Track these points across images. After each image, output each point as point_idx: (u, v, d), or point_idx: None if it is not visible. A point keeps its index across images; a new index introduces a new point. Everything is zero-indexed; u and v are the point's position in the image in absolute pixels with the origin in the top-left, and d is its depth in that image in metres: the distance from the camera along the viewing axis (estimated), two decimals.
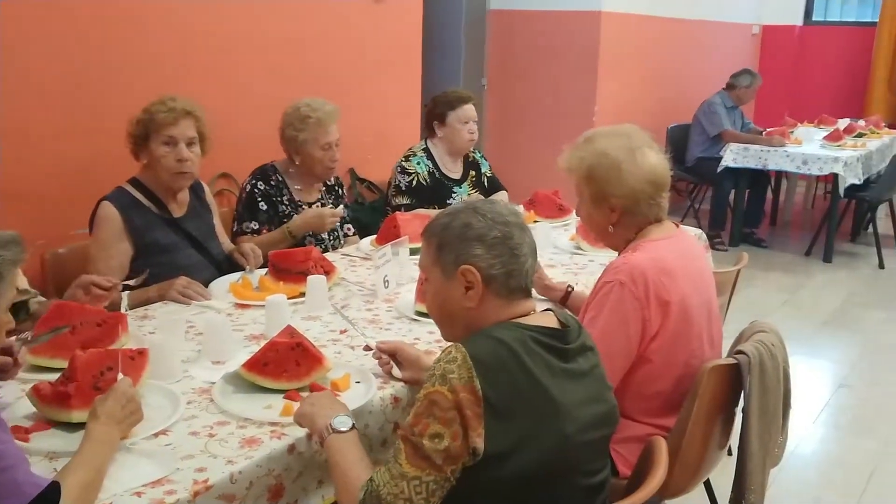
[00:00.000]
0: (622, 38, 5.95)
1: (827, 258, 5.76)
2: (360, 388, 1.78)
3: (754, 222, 6.29)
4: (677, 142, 6.37)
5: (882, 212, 6.42)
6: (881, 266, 5.67)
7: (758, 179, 6.20)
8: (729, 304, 3.00)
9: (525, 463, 1.38)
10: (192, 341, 2.01)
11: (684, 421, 1.88)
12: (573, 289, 2.37)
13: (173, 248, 2.52)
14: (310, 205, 3.06)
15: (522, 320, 1.49)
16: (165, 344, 1.82)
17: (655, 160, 1.97)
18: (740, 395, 1.96)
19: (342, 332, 2.10)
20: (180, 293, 2.30)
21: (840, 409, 3.56)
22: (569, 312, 1.61)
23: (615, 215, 1.97)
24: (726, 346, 2.12)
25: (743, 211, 6.19)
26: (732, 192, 6.11)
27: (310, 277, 2.26)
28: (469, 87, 5.76)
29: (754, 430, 1.91)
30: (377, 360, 1.85)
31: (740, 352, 1.92)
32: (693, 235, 2.20)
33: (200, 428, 1.59)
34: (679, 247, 1.98)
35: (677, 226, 2.06)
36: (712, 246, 5.96)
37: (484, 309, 1.50)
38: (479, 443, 1.35)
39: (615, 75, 5.94)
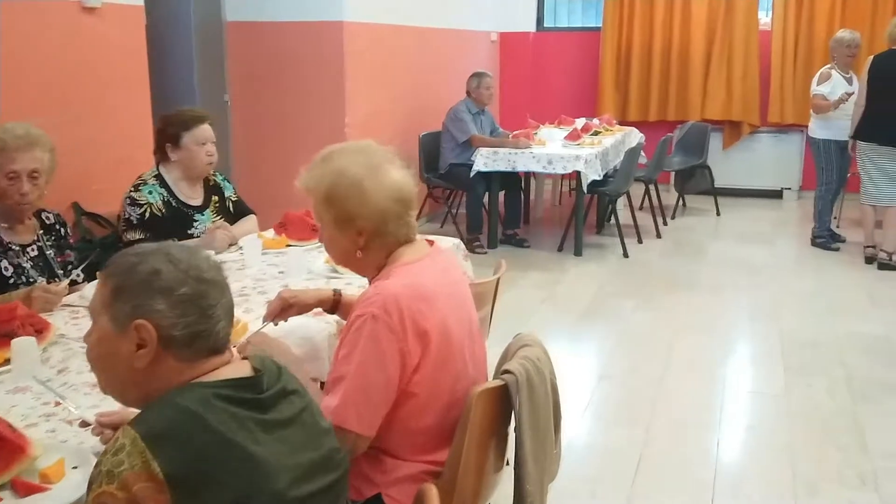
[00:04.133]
0: (367, 49, 5.86)
1: (578, 252, 6.04)
2: (76, 474, 1.48)
3: (514, 223, 6.47)
4: (430, 150, 6.41)
5: (622, 203, 6.85)
6: (625, 255, 6.02)
7: (510, 181, 6.38)
8: (492, 313, 2.94)
9: None
10: None
11: (457, 453, 1.76)
12: (341, 294, 2.17)
13: None
14: (23, 247, 2.63)
15: (206, 377, 1.29)
16: None
17: (399, 176, 1.84)
18: (511, 415, 1.88)
19: (56, 403, 1.77)
20: None
21: (603, 400, 3.67)
22: (267, 356, 1.43)
23: (363, 238, 1.82)
24: (493, 359, 2.04)
25: (499, 213, 6.35)
26: (486, 195, 6.25)
27: (14, 341, 1.90)
28: (210, 104, 5.41)
29: (528, 450, 1.83)
30: (98, 437, 1.56)
31: (507, 371, 1.83)
32: (448, 249, 2.09)
33: None
34: (435, 267, 1.86)
35: (431, 243, 1.94)
36: (472, 250, 6.08)
37: (158, 372, 1.28)
38: None
39: (364, 86, 5.84)
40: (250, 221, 3.36)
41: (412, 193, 1.86)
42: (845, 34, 6.12)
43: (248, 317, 2.28)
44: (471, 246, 6.13)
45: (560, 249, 6.16)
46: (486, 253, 6.12)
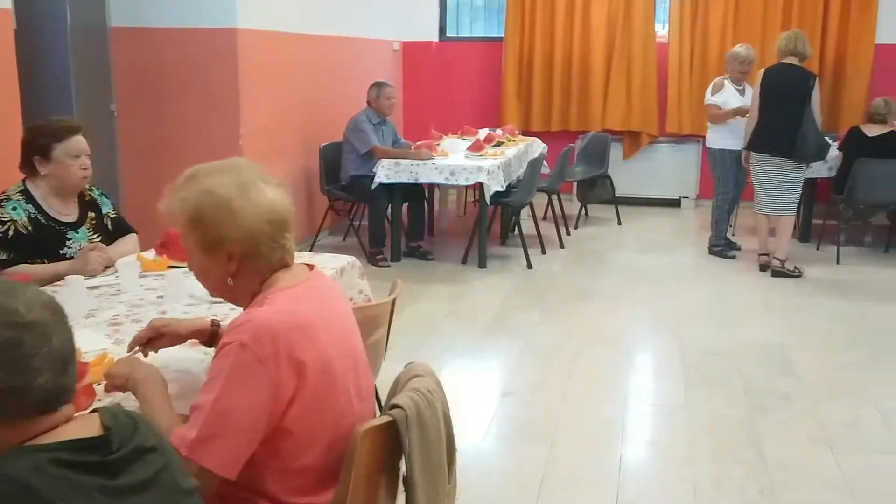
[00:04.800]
0: (264, 57, 5.67)
1: (482, 264, 5.98)
2: None
3: (418, 235, 6.36)
4: (331, 161, 6.25)
5: (525, 214, 6.84)
6: (529, 266, 6.00)
7: (413, 193, 6.28)
8: (388, 336, 2.82)
9: None
10: None
11: (342, 495, 1.63)
12: (219, 325, 2.01)
13: None
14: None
15: (42, 439, 1.13)
16: None
17: (273, 196, 1.71)
18: (402, 451, 1.76)
19: None
20: None
21: (507, 418, 3.59)
22: (121, 409, 1.27)
23: (234, 264, 1.68)
24: (390, 381, 1.92)
25: (402, 225, 6.24)
26: (389, 207, 6.13)
27: None
28: (94, 114, 5.13)
29: (420, 488, 1.72)
30: None
31: (395, 406, 1.71)
32: (329, 278, 1.96)
33: None
34: (315, 293, 1.73)
35: (311, 267, 1.81)
36: (375, 263, 5.96)
37: None
38: None
39: (260, 96, 5.65)
40: (130, 241, 3.15)
41: (287, 214, 1.73)
42: (741, 49, 6.26)
43: (119, 349, 2.09)
44: (374, 259, 6.01)
45: (464, 262, 6.10)
46: (389, 266, 6.00)
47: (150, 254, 3.00)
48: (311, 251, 6.22)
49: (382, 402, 2.50)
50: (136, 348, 1.92)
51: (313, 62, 6.47)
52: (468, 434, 3.36)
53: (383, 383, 2.89)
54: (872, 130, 6.27)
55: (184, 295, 2.55)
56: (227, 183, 1.67)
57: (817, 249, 6.64)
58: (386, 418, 1.70)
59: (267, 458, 1.61)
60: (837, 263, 6.18)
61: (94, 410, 1.24)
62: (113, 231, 3.15)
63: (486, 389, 3.92)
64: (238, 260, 1.68)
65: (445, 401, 1.87)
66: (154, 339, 1.93)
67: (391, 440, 1.72)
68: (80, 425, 1.17)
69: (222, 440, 1.54)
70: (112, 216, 3.18)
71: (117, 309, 2.46)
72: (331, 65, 6.82)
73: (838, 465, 3.14)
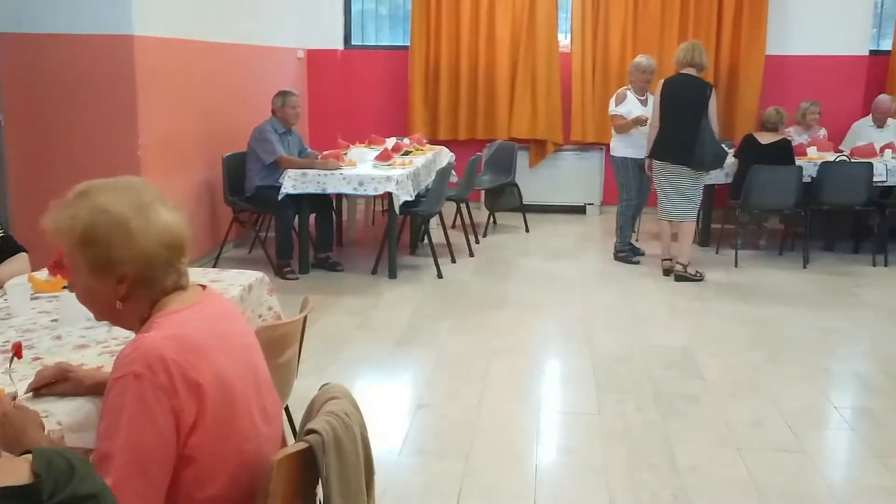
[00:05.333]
0: (163, 65, 5.47)
1: (392, 274, 5.93)
2: None
3: (326, 246, 6.26)
4: (235, 171, 6.09)
5: (434, 223, 6.83)
6: (440, 276, 5.98)
7: (321, 203, 6.18)
8: (300, 353, 2.74)
9: None
10: None
11: None
12: None
13: None
14: None
15: None
16: None
17: (170, 218, 1.64)
18: (319, 477, 1.69)
19: None
20: None
21: (422, 431, 3.55)
22: (59, 451, 1.18)
23: (124, 287, 1.59)
24: (303, 399, 1.86)
25: (310, 236, 6.13)
26: (296, 218, 6.02)
27: None
28: None
29: None
30: None
31: (311, 431, 1.65)
32: (226, 298, 1.89)
33: None
34: (207, 314, 1.65)
35: (204, 288, 1.74)
36: (283, 276, 5.83)
37: None
38: None
39: (159, 105, 5.45)
40: (19, 261, 2.96)
41: (184, 238, 1.66)
42: (642, 60, 6.42)
43: (4, 380, 1.94)
44: (281, 272, 5.88)
45: (374, 272, 6.03)
46: (297, 279, 5.88)
47: (43, 274, 2.83)
48: (215, 265, 6.06)
49: (297, 424, 2.43)
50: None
51: (215, 70, 6.29)
52: (384, 449, 3.31)
53: (296, 402, 2.82)
54: (765, 138, 6.53)
55: (80, 318, 2.40)
56: (124, 202, 1.58)
57: (717, 253, 6.87)
58: (302, 445, 1.63)
59: (171, 490, 1.53)
60: (736, 266, 6.40)
61: (27, 452, 1.14)
62: (2, 251, 2.96)
63: (400, 403, 3.87)
64: (130, 283, 1.60)
65: (363, 423, 1.82)
66: (58, 381, 1.83)
67: (308, 466, 1.66)
68: (6, 471, 1.07)
69: (139, 481, 1.45)
70: (1, 235, 2.99)
71: (7, 334, 2.30)
72: (233, 73, 6.65)
73: (745, 465, 3.22)
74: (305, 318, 2.67)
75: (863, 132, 7.55)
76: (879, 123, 7.54)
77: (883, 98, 7.57)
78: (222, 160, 6.05)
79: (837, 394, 4.03)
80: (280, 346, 2.53)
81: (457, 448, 3.36)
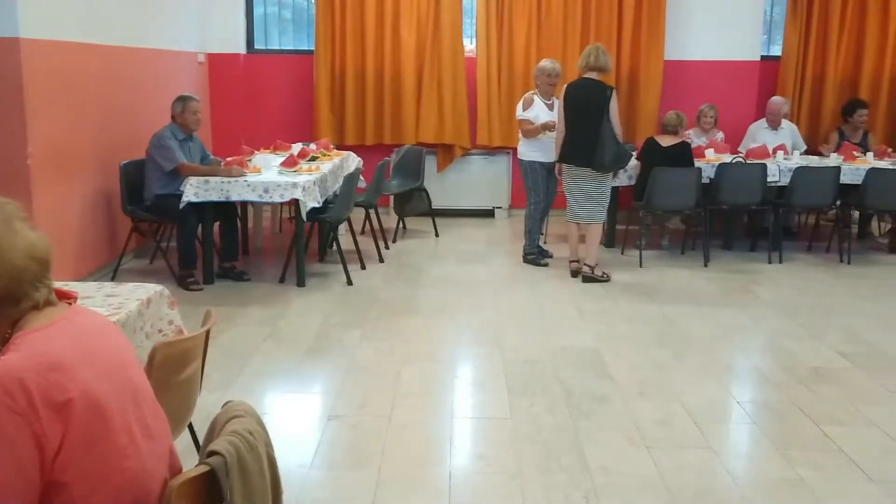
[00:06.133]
0: (53, 69, 5.22)
1: (300, 283, 5.82)
2: None
3: (232, 255, 6.09)
4: (133, 180, 5.86)
5: (343, 229, 6.75)
6: (349, 283, 5.91)
7: (225, 211, 6.01)
8: (203, 368, 2.64)
9: None
10: None
11: None
12: None
13: None
14: None
15: None
16: None
17: (33, 234, 1.58)
18: (222, 501, 1.62)
19: None
20: None
21: (333, 443, 3.47)
22: None
23: None
24: (202, 422, 1.77)
25: (214, 245, 5.96)
26: (200, 226, 5.84)
27: None
28: None
29: None
30: None
31: (214, 452, 1.57)
32: (95, 312, 1.79)
33: None
34: (72, 330, 1.57)
35: (71, 304, 1.66)
36: (187, 287, 5.65)
37: None
38: None
39: (50, 112, 5.19)
40: None
41: (50, 254, 1.60)
42: (547, 64, 6.49)
43: None
44: (184, 282, 5.70)
45: (282, 281, 5.91)
46: (201, 289, 5.71)
47: None
48: (113, 278, 5.83)
49: (201, 442, 2.33)
50: None
51: (111, 75, 6.05)
52: (293, 464, 3.22)
53: (201, 418, 2.72)
54: (666, 141, 6.70)
55: None
56: None
57: (622, 254, 7.02)
58: (203, 468, 1.55)
59: None
60: (640, 266, 6.55)
61: None
62: None
63: (310, 414, 3.78)
64: None
65: (269, 441, 1.75)
66: None
67: (210, 491, 1.58)
68: None
69: None
70: None
71: None
72: (131, 78, 6.41)
73: (654, 463, 3.28)
74: (208, 331, 2.57)
75: (758, 134, 7.86)
76: (774, 125, 7.87)
77: (775, 99, 7.90)
78: (120, 168, 5.82)
79: (739, 389, 4.15)
80: (181, 361, 2.43)
81: (369, 459, 3.30)
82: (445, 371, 4.33)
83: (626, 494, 3.05)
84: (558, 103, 6.20)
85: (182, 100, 5.87)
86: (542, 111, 6.40)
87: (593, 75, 5.96)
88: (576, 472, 3.20)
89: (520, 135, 6.54)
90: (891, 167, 6.91)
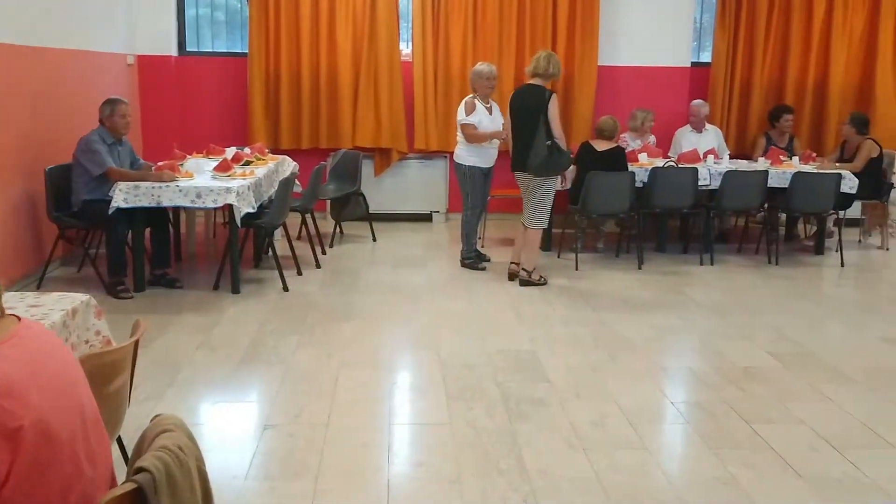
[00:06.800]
0: None
1: (235, 289, 5.72)
2: None
3: (164, 262, 5.95)
4: (60, 185, 5.69)
5: (279, 234, 6.66)
6: (285, 289, 5.83)
7: (156, 217, 5.87)
8: (132, 381, 2.57)
9: None
10: None
11: None
12: None
13: None
14: None
15: None
16: None
17: None
18: None
19: None
20: None
21: (269, 453, 3.41)
22: None
23: None
24: (131, 437, 1.71)
25: (145, 252, 5.82)
26: (130, 232, 5.70)
27: None
28: None
29: None
30: None
31: (141, 469, 1.52)
32: (44, 326, 1.73)
33: None
34: (23, 349, 1.50)
35: (19, 319, 1.58)
36: (116, 295, 5.51)
37: None
38: None
39: None
40: None
41: None
42: (483, 67, 6.49)
43: None
44: (114, 291, 5.55)
45: (216, 288, 5.80)
46: (132, 297, 5.56)
47: None
48: (39, 287, 5.65)
49: (129, 458, 2.26)
50: None
51: (36, 77, 5.86)
52: (228, 476, 3.16)
53: (129, 431, 2.64)
54: (601, 146, 6.79)
55: None
56: None
57: (558, 257, 7.08)
58: (130, 485, 1.50)
59: None
60: (577, 270, 6.62)
61: None
62: None
63: (245, 425, 3.71)
64: None
65: (200, 455, 1.70)
66: None
67: None
68: None
69: None
70: None
71: None
72: (56, 80, 6.21)
73: (591, 464, 3.31)
74: (137, 341, 2.50)
75: (684, 138, 8.05)
76: (698, 128, 8.08)
77: (696, 102, 8.12)
78: (45, 173, 5.64)
79: (673, 390, 4.22)
80: (109, 374, 2.36)
81: (306, 468, 3.26)
82: (383, 377, 4.30)
83: (564, 497, 3.07)
84: (497, 107, 6.23)
85: (110, 103, 5.71)
86: (483, 115, 6.41)
87: (537, 81, 5.99)
88: (514, 475, 3.21)
89: (458, 138, 6.52)
90: (815, 171, 7.13)
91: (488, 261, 6.74)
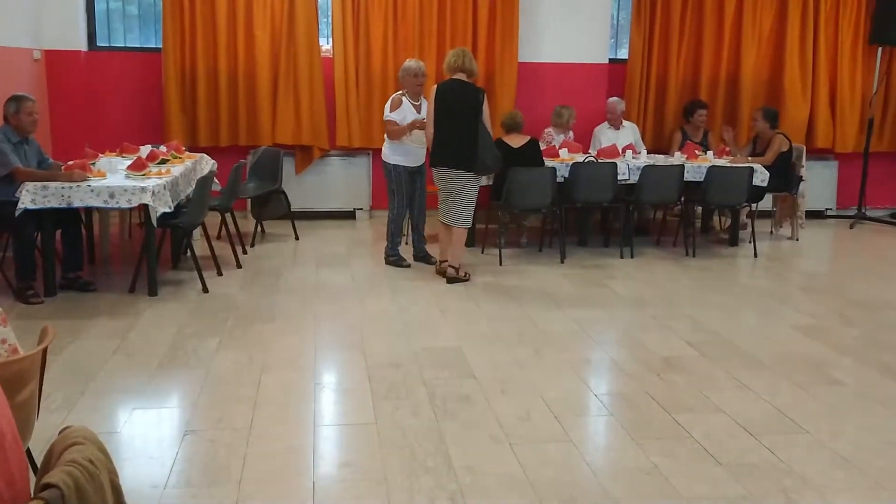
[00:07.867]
0: None
1: (152, 291, 5.56)
2: None
3: (76, 265, 5.74)
4: None
5: (198, 234, 6.50)
6: (205, 290, 5.70)
7: (67, 218, 5.66)
8: (41, 391, 2.46)
9: None
10: None
11: None
12: None
13: None
14: None
15: None
16: None
17: None
18: None
19: None
20: None
21: (190, 459, 3.32)
22: None
23: None
24: (40, 449, 1.63)
25: (56, 255, 5.59)
26: (39, 235, 5.47)
27: None
28: None
29: None
30: None
31: (49, 485, 1.45)
32: None
33: None
34: None
35: None
36: (26, 300, 5.30)
37: None
38: None
39: None
40: None
41: None
42: (412, 64, 6.45)
43: None
44: (23, 296, 5.33)
45: (132, 290, 5.62)
46: (42, 302, 5.35)
47: None
48: None
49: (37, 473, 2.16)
50: None
51: None
52: (146, 485, 3.06)
53: (40, 443, 2.53)
54: (515, 141, 6.85)
55: None
56: None
57: (482, 253, 7.11)
58: (37, 503, 1.43)
59: None
60: (501, 265, 6.66)
61: None
62: None
63: (164, 431, 3.60)
64: None
65: (113, 468, 1.63)
66: None
67: None
68: None
69: None
70: None
71: None
72: None
73: (518, 459, 3.32)
74: (46, 349, 2.39)
75: (602, 135, 8.20)
76: (615, 125, 8.24)
77: (612, 100, 8.28)
78: None
79: (596, 382, 4.28)
80: (16, 384, 2.25)
81: (228, 474, 3.18)
82: (307, 378, 4.24)
83: (492, 493, 3.07)
84: (427, 104, 6.19)
85: (15, 100, 5.47)
86: (409, 112, 6.37)
87: (462, 77, 5.98)
88: (441, 473, 3.20)
89: (385, 136, 6.48)
90: (729, 165, 7.34)
91: (434, 263, 6.60)
